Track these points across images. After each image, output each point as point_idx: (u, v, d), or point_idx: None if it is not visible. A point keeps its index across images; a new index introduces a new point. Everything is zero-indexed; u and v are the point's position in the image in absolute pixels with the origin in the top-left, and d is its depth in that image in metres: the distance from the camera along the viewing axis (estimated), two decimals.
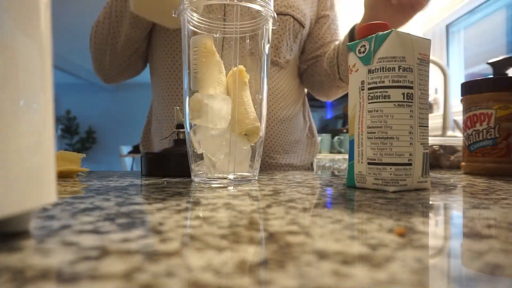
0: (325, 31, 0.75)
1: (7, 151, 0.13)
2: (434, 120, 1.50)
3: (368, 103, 0.32)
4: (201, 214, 0.20)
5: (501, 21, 1.35)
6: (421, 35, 1.73)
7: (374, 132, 0.32)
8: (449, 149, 0.65)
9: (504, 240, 0.15)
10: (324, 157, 1.63)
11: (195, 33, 0.41)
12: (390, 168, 0.31)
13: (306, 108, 0.81)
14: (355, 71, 0.34)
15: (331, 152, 2.15)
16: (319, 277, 0.11)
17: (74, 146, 5.74)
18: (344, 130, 2.14)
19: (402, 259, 0.12)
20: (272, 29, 0.41)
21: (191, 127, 0.39)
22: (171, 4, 0.50)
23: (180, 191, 0.30)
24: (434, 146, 0.65)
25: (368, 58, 0.33)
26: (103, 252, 0.13)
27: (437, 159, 0.65)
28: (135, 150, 3.98)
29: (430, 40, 0.34)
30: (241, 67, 0.39)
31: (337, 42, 0.72)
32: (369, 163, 0.32)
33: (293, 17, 0.67)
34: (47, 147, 0.15)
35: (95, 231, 0.16)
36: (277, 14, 0.65)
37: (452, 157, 0.65)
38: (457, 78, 1.56)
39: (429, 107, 0.34)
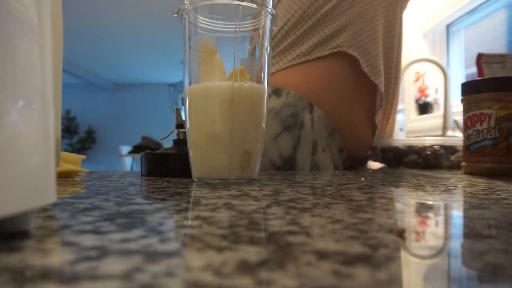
0: None
1: (7, 151, 0.13)
2: (434, 120, 1.50)
3: None
4: (201, 214, 0.20)
5: (501, 21, 1.35)
6: (421, 35, 1.73)
7: None
8: (449, 149, 0.65)
9: (505, 240, 0.15)
10: None
11: (195, 33, 0.41)
12: None
13: None
14: None
15: None
16: (319, 277, 0.11)
17: (74, 146, 5.73)
18: None
19: (402, 259, 0.12)
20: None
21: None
22: None
23: (180, 191, 0.30)
24: (435, 146, 0.65)
25: None
26: (103, 252, 0.13)
27: (437, 159, 0.65)
28: (135, 150, 3.97)
29: None
30: (242, 67, 0.39)
31: None
32: None
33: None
34: (47, 147, 0.15)
35: (95, 231, 0.16)
36: None
37: (452, 157, 0.65)
38: (457, 78, 1.56)
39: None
